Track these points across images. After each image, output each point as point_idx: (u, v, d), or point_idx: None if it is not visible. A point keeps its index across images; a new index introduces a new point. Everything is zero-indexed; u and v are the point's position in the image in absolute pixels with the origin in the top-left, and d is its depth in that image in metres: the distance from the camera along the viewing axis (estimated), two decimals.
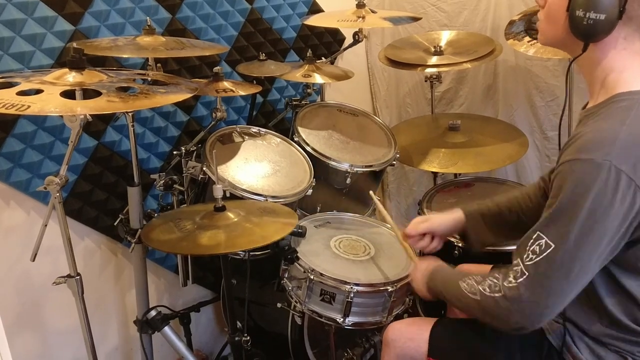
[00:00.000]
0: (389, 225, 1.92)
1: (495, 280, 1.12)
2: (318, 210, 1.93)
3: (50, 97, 1.14)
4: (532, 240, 1.07)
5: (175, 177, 1.75)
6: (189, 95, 1.32)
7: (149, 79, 1.47)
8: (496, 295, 1.10)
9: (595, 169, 0.99)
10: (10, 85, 1.22)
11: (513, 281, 1.08)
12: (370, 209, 2.11)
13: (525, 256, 1.08)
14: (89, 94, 1.25)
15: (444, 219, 1.48)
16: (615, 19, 1.03)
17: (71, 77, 1.25)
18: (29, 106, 1.08)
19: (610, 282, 1.12)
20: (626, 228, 1.03)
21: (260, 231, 1.41)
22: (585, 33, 1.06)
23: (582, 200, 1.00)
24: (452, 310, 1.63)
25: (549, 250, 1.04)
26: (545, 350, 1.21)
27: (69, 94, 1.18)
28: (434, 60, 2.17)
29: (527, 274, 1.06)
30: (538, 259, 1.05)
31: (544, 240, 1.05)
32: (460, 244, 1.75)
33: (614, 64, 1.09)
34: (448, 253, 1.76)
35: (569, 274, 1.03)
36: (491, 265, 1.55)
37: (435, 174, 2.36)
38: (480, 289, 1.14)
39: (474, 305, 1.16)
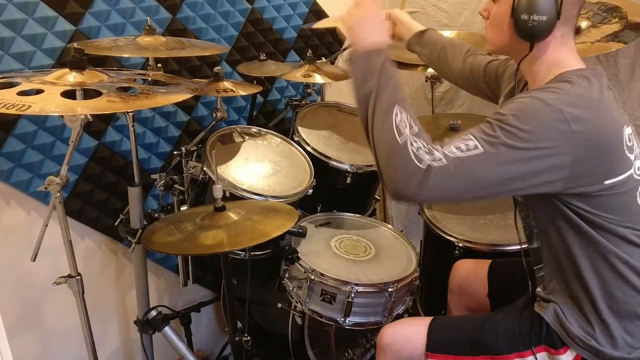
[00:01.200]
0: (389, 226, 1.92)
1: (424, 149, 1.07)
2: (318, 210, 1.93)
3: (50, 97, 1.15)
4: (460, 139, 1.09)
5: (175, 177, 1.74)
6: (189, 96, 1.32)
7: (150, 79, 1.47)
8: (412, 157, 1.06)
9: (546, 106, 1.07)
10: (11, 85, 1.22)
11: (429, 160, 1.06)
12: (371, 209, 2.11)
13: (447, 146, 1.08)
14: (90, 94, 1.25)
15: (410, 21, 1.72)
16: (555, 19, 1.14)
17: (72, 77, 1.26)
18: (29, 106, 1.08)
19: (585, 241, 1.16)
20: (559, 176, 1.08)
21: (261, 228, 1.41)
22: (531, 34, 1.17)
23: (524, 123, 1.06)
24: (455, 311, 1.63)
25: (475, 152, 1.06)
26: (544, 332, 1.22)
27: (69, 94, 1.18)
28: None
29: (445, 162, 1.06)
30: (462, 155, 1.06)
31: (473, 142, 1.07)
32: (460, 244, 1.75)
33: (555, 60, 1.20)
34: (448, 252, 1.76)
35: (481, 181, 1.07)
36: (489, 262, 1.56)
37: None
38: (410, 139, 1.09)
39: (388, 142, 1.11)
